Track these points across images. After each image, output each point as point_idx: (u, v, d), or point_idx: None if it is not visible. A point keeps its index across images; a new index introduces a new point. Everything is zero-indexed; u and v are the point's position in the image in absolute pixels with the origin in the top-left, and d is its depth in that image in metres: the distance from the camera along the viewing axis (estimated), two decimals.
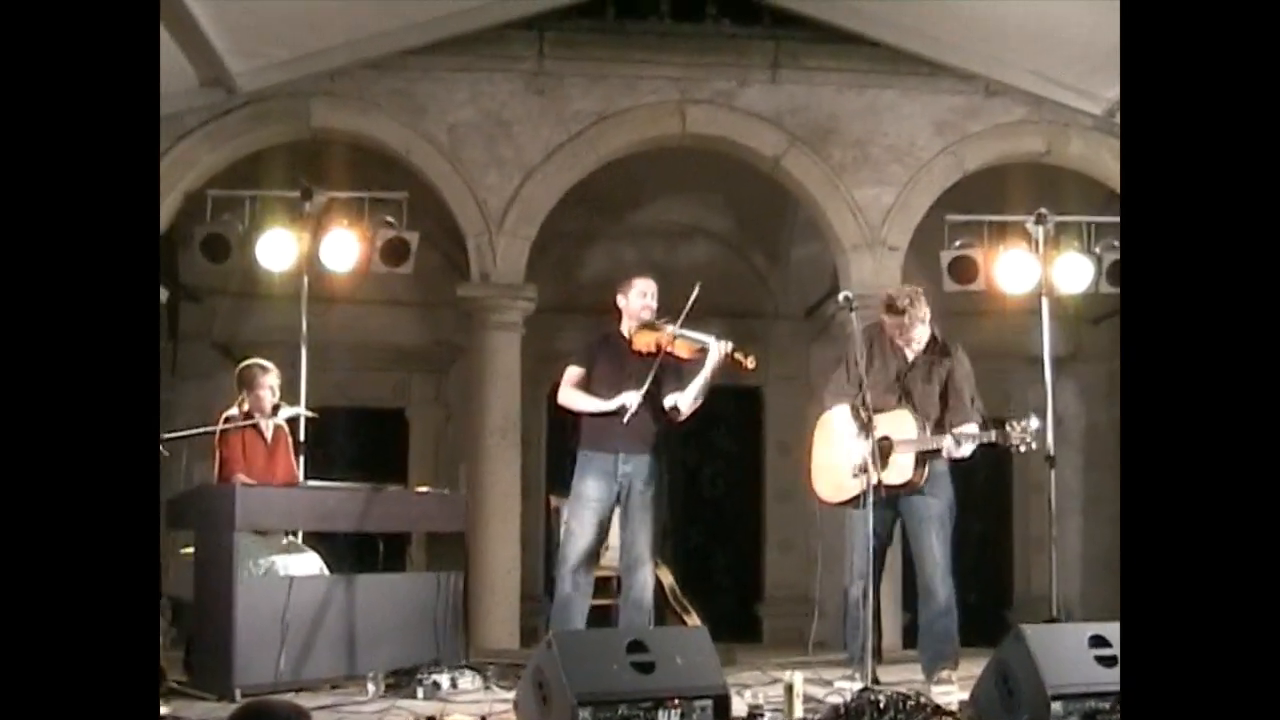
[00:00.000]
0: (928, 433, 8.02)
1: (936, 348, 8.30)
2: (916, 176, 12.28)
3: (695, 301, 8.20)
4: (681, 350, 8.32)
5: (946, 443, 7.87)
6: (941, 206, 12.15)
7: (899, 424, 8.01)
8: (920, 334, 8.23)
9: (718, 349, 8.20)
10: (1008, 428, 7.77)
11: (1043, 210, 10.15)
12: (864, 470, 7.72)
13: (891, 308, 8.23)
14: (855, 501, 7.97)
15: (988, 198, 12.03)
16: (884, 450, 7.83)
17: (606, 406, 8.32)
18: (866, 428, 7.73)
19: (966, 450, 7.95)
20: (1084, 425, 14.86)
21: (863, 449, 7.83)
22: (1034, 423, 7.79)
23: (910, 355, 8.25)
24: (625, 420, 8.21)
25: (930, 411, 8.15)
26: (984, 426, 8.01)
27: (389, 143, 12.10)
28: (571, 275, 14.00)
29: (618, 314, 8.65)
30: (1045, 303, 9.89)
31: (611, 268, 13.31)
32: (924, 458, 8.01)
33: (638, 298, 8.56)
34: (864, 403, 7.78)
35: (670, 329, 8.33)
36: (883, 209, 12.24)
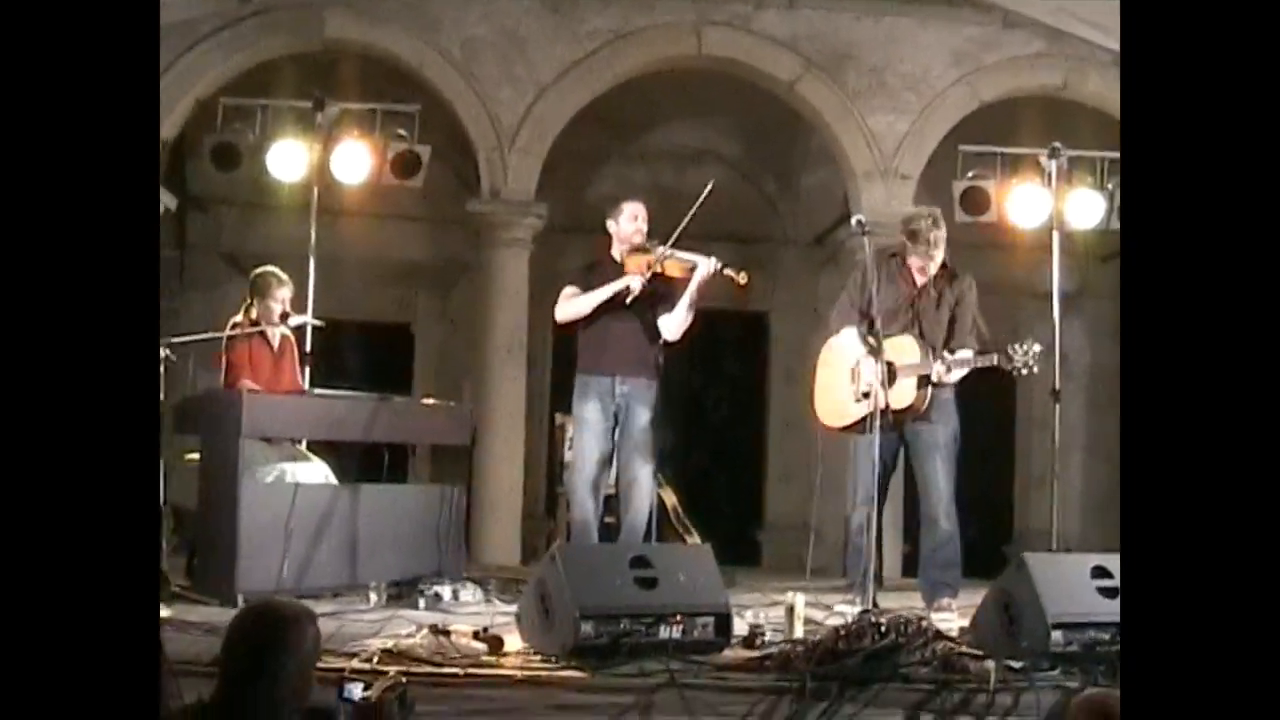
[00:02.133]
0: (930, 358, 8.00)
1: (946, 274, 8.26)
2: (931, 106, 12.24)
3: (693, 215, 8.16)
4: (673, 269, 8.27)
5: (936, 367, 7.84)
6: (955, 137, 12.11)
7: (902, 349, 7.98)
8: (937, 256, 8.18)
9: (706, 265, 8.17)
10: (1010, 350, 7.73)
11: (1057, 144, 10.05)
12: (868, 395, 7.73)
13: (913, 232, 8.17)
14: (858, 426, 7.98)
15: (1002, 130, 11.98)
16: (889, 374, 7.81)
17: (613, 288, 8.28)
18: (875, 352, 7.71)
19: (955, 375, 7.92)
20: (1089, 363, 14.83)
21: (868, 373, 7.82)
22: (1036, 346, 7.75)
23: (920, 280, 8.21)
24: (628, 301, 8.20)
25: (937, 338, 8.12)
26: (984, 350, 7.97)
27: (402, 56, 12.05)
28: (580, 195, 13.93)
29: (608, 239, 8.61)
30: (1056, 237, 9.83)
31: (620, 188, 13.22)
32: (927, 383, 8.00)
33: (628, 221, 8.50)
34: (872, 328, 7.76)
35: (661, 250, 8.29)
36: (896, 137, 12.20)
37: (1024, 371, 7.83)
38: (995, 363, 7.82)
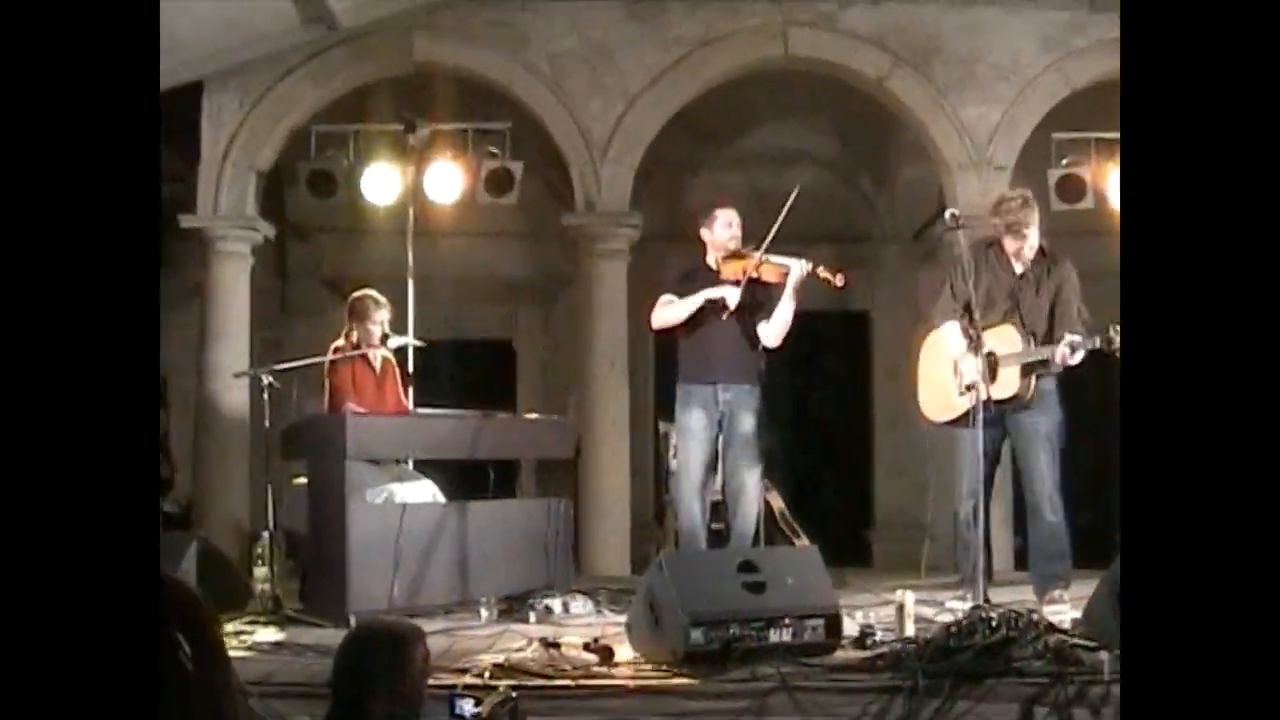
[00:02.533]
0: (1032, 346, 7.94)
1: (1045, 260, 8.19)
2: (1022, 94, 12.11)
3: (785, 216, 8.15)
4: (768, 274, 8.27)
5: (1061, 350, 7.73)
6: (1048, 124, 11.99)
7: (1004, 339, 7.93)
8: (1032, 238, 8.11)
9: (799, 268, 8.16)
10: (1111, 332, 7.64)
11: None
12: (972, 388, 7.68)
13: (1003, 214, 8.12)
14: (963, 420, 7.93)
15: (1096, 114, 11.82)
16: (991, 365, 7.75)
17: (708, 294, 8.28)
18: (975, 344, 7.66)
19: (1079, 357, 7.82)
20: None
21: (971, 366, 7.77)
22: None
23: (1019, 268, 8.14)
24: (725, 315, 8.21)
25: (1038, 325, 8.04)
26: (1089, 335, 7.89)
27: (491, 74, 12.11)
28: (676, 202, 13.92)
29: (703, 246, 8.61)
30: None
31: (716, 195, 13.22)
32: (1030, 370, 7.93)
33: (723, 229, 8.51)
34: (972, 320, 7.71)
35: (756, 254, 8.29)
36: (989, 128, 12.08)
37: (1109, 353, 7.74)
38: (1097, 345, 7.73)
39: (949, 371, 8.15)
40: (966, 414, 7.84)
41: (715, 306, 8.26)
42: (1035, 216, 8.12)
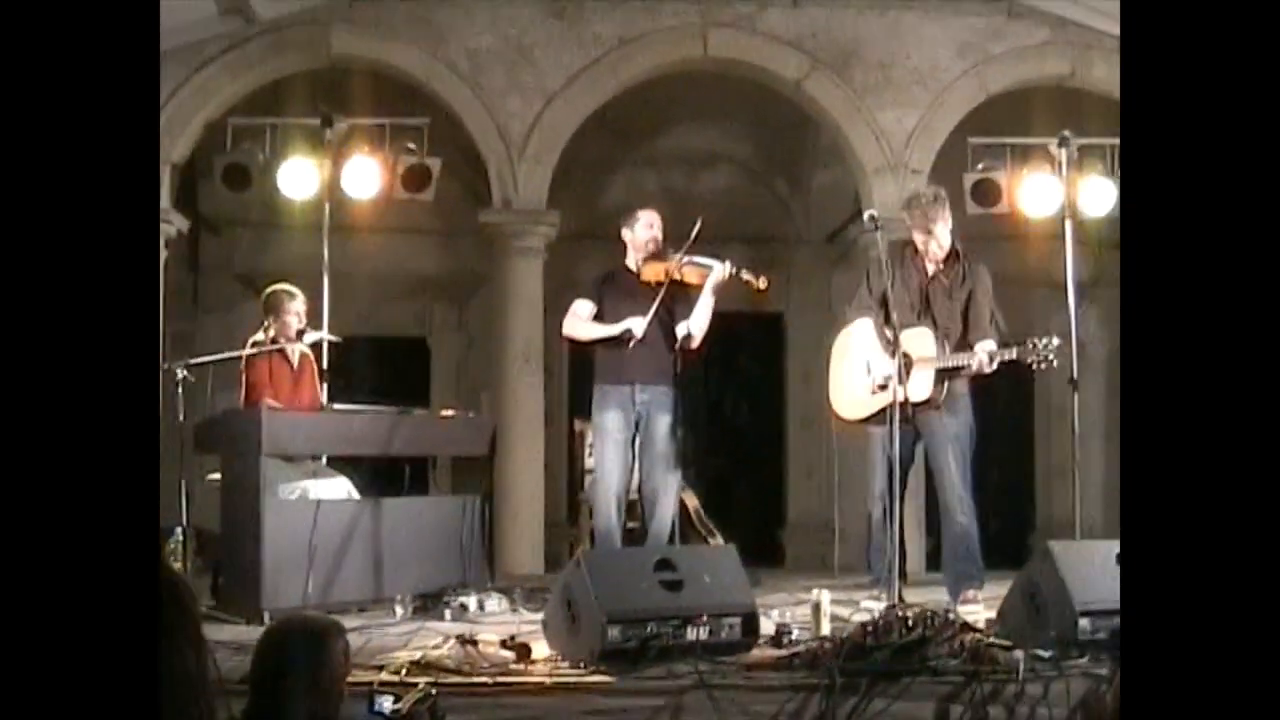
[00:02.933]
0: (947, 350, 8.01)
1: (958, 262, 8.26)
2: (939, 99, 12.20)
3: (699, 230, 8.16)
4: (691, 276, 8.29)
5: (979, 358, 7.83)
6: (964, 129, 12.10)
7: (919, 341, 8.00)
8: (942, 236, 8.18)
9: (721, 270, 8.19)
10: (1029, 344, 7.73)
11: (1066, 133, 9.99)
12: (885, 387, 7.76)
13: (911, 209, 8.23)
14: (875, 419, 8.01)
15: (1011, 120, 11.97)
16: (906, 366, 7.81)
17: (611, 331, 8.31)
18: (892, 345, 7.71)
19: (994, 366, 7.91)
20: (1107, 351, 14.75)
21: (885, 366, 7.84)
22: (1055, 340, 7.75)
23: (931, 268, 8.22)
24: (631, 345, 8.21)
25: (952, 329, 8.12)
26: (1004, 344, 7.98)
27: (409, 69, 12.06)
28: (593, 202, 13.93)
29: (623, 247, 8.62)
30: (1069, 226, 9.79)
31: (633, 195, 13.24)
32: (943, 375, 8.00)
33: (644, 230, 8.53)
34: (888, 319, 7.76)
35: (677, 257, 8.30)
36: (905, 132, 12.17)
37: (1041, 366, 7.84)
38: (1015, 356, 7.82)
39: (861, 369, 8.22)
40: (880, 412, 7.92)
41: (623, 336, 8.26)
42: (946, 214, 8.22)
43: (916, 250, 8.26)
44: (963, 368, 7.95)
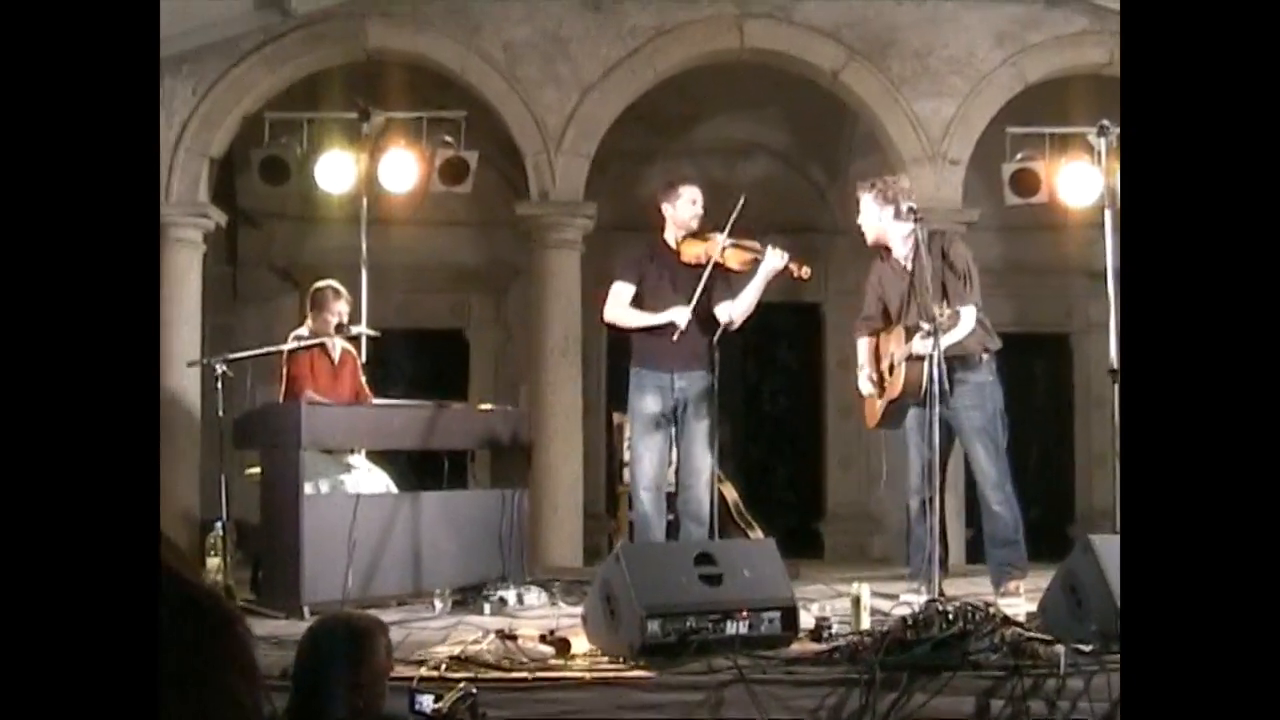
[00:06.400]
0: (909, 338, 8.00)
1: (932, 249, 8.10)
2: (977, 88, 12.15)
3: (740, 212, 8.12)
4: (733, 261, 8.24)
5: (915, 344, 7.76)
6: (1002, 119, 12.03)
7: (895, 340, 8.05)
8: (865, 226, 8.20)
9: (775, 258, 8.15)
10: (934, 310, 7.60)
11: (1105, 122, 9.94)
12: (883, 388, 8.00)
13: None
14: (888, 419, 8.10)
15: (1049, 110, 11.91)
16: (889, 367, 7.95)
17: (655, 321, 8.25)
18: (875, 350, 7.98)
19: (926, 345, 7.68)
20: None
21: (865, 379, 8.34)
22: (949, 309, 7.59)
23: (909, 264, 8.16)
24: (675, 338, 8.15)
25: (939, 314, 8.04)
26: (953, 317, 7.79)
27: (445, 62, 12.07)
28: (630, 193, 13.91)
29: (661, 222, 8.57)
30: (1108, 215, 9.73)
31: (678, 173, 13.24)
32: (917, 360, 7.88)
33: (687, 206, 8.43)
34: (884, 325, 7.98)
35: (720, 238, 8.24)
36: (943, 122, 12.12)
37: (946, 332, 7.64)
38: (929, 328, 7.58)
39: (864, 382, 8.37)
40: (889, 416, 8.02)
41: (666, 329, 8.22)
42: (864, 202, 8.28)
43: (888, 253, 8.32)
44: (923, 354, 7.83)
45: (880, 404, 8.20)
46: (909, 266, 8.17)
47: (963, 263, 8.17)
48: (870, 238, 8.30)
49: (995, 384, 8.20)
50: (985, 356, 8.14)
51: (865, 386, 8.30)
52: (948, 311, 7.47)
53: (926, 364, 7.77)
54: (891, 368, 7.89)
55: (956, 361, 7.91)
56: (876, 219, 8.25)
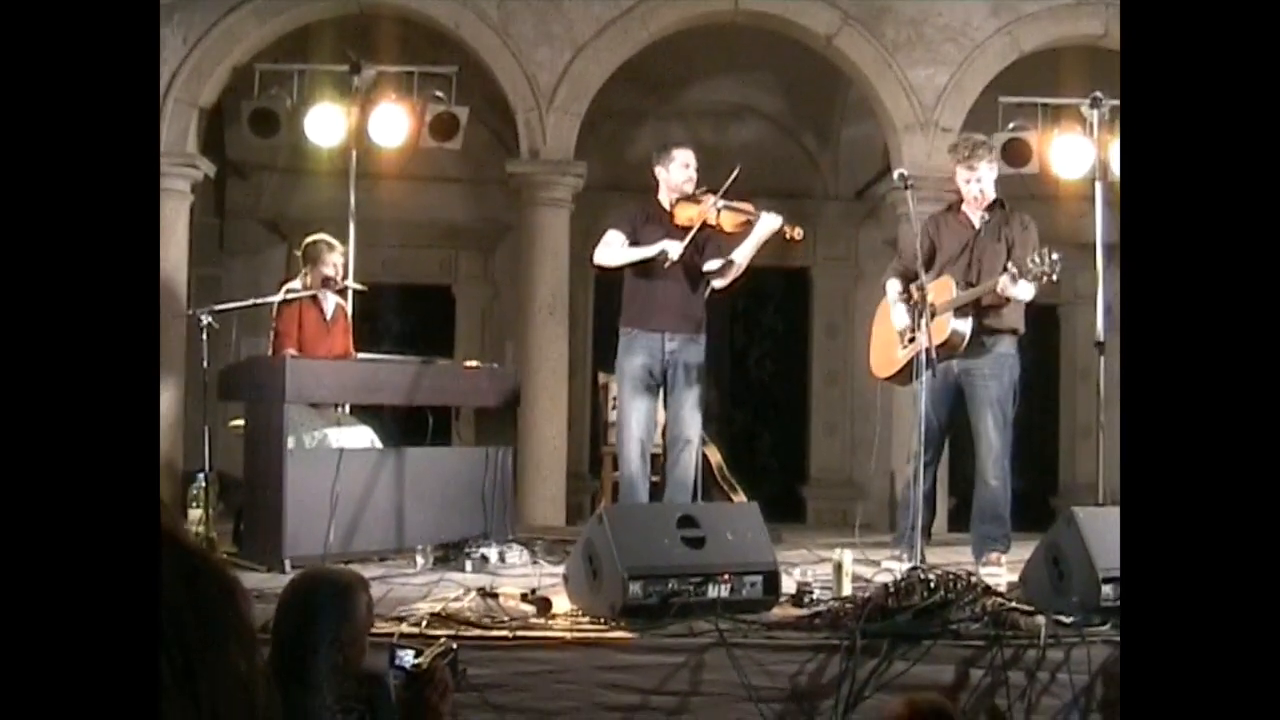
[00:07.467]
0: (961, 289, 8.00)
1: (1002, 214, 8.25)
2: (971, 57, 12.10)
3: (735, 180, 8.09)
4: (726, 223, 8.20)
5: (1002, 280, 7.78)
6: (996, 88, 11.99)
7: (941, 289, 7.98)
8: (986, 180, 8.19)
9: (769, 221, 8.11)
10: (1029, 261, 7.67)
11: (1098, 94, 9.95)
12: (913, 339, 7.81)
13: (956, 149, 8.28)
14: (903, 374, 8.04)
15: (1043, 80, 11.86)
16: (930, 313, 7.79)
17: (646, 253, 8.18)
18: (919, 296, 7.74)
19: (1023, 289, 7.81)
20: None
21: (904, 316, 8.14)
22: (1054, 254, 7.63)
23: (977, 220, 8.22)
24: (666, 266, 8.11)
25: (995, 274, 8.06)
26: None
27: (438, 17, 11.98)
28: (621, 153, 13.89)
29: (655, 185, 8.54)
30: (1099, 187, 9.75)
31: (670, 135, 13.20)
32: (965, 311, 7.94)
33: (680, 169, 8.39)
34: (918, 277, 7.79)
35: (713, 200, 8.21)
36: (936, 89, 12.07)
37: (1042, 280, 7.73)
38: (1038, 267, 7.68)
39: (890, 325, 8.27)
40: (905, 367, 7.95)
41: (656, 258, 8.19)
42: (990, 159, 8.22)
43: (959, 206, 8.28)
44: (981, 301, 7.92)
45: (902, 354, 8.13)
46: (976, 223, 8.18)
47: (1035, 237, 8.21)
48: (990, 197, 8.24)
49: (1016, 360, 8.23)
50: (1015, 334, 8.17)
51: (900, 320, 8.21)
52: (1051, 259, 7.52)
53: (971, 319, 7.89)
54: (932, 315, 7.80)
55: (991, 325, 7.97)
56: (992, 179, 8.29)
